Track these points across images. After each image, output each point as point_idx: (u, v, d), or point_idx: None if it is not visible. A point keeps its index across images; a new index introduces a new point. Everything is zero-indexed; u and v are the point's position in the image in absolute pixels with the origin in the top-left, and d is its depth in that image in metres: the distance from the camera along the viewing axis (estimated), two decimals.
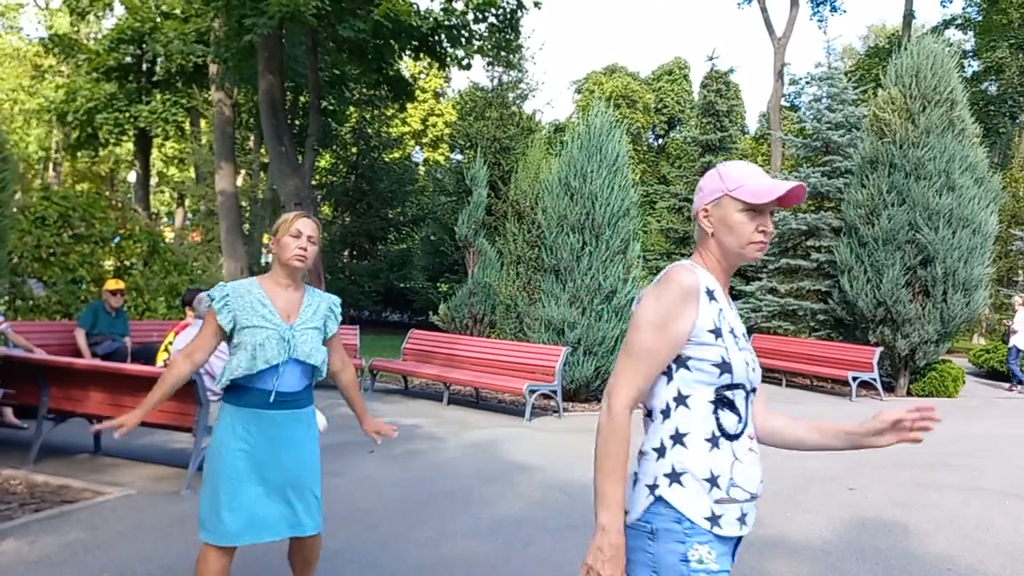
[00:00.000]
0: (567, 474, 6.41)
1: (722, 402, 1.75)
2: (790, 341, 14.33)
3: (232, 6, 12.37)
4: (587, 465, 6.72)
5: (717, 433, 1.74)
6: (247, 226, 25.82)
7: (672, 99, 45.20)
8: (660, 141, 45.86)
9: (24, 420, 6.71)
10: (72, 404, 5.83)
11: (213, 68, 19.75)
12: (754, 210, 1.78)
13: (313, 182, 17.95)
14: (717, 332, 1.75)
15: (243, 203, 25.21)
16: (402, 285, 24.31)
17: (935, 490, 6.32)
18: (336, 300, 3.20)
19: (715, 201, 1.83)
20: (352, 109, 24.90)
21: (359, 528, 4.68)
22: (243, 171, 28.07)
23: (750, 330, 16.77)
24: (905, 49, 13.43)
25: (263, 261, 27.18)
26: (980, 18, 30.46)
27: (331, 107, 22.85)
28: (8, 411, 6.76)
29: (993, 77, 31.02)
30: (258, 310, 2.93)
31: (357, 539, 4.45)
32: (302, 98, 22.14)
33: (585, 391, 10.66)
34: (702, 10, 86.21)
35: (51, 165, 36.75)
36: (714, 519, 1.69)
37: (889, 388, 12.91)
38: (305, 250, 2.97)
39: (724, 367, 1.74)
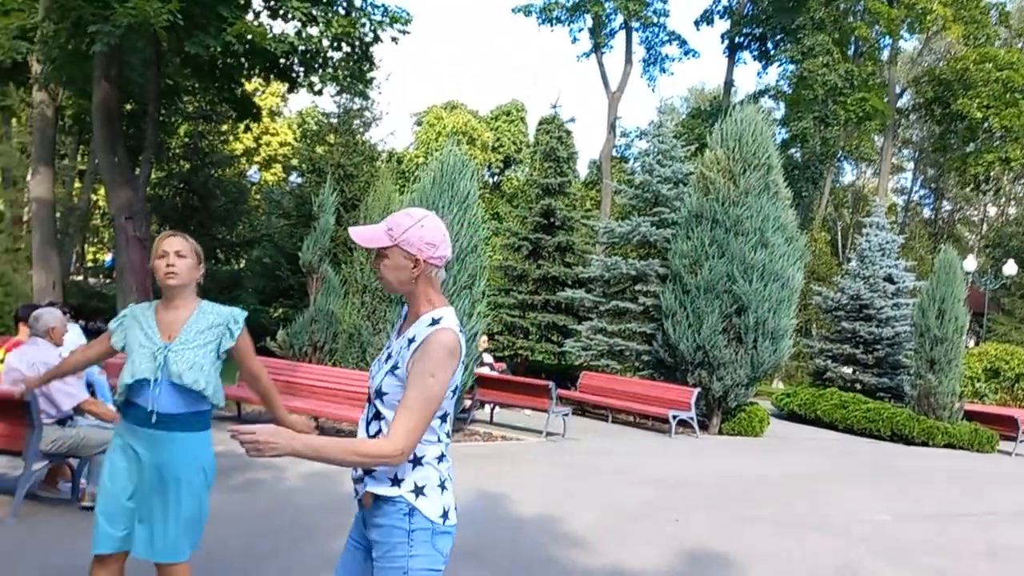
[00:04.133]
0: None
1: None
2: (617, 380, 15.13)
3: (69, 7, 11.67)
4: None
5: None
6: (60, 236, 24.06)
7: (509, 139, 46.46)
8: (496, 179, 46.96)
9: None
10: None
11: (36, 67, 18.39)
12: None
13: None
14: None
15: (57, 212, 23.48)
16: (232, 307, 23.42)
17: (749, 522, 6.96)
18: (238, 315, 3.18)
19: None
20: (184, 122, 23.86)
21: (215, 560, 4.59)
22: (59, 178, 26.15)
23: (579, 367, 17.52)
24: (729, 116, 14.72)
25: (73, 275, 25.38)
26: (791, 91, 33.64)
27: (162, 118, 21.80)
28: None
29: (798, 145, 34.26)
30: (143, 329, 3.06)
31: (210, 573, 4.37)
32: (131, 106, 21.04)
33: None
34: (542, 56, 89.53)
35: None
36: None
37: (703, 427, 13.90)
38: (174, 266, 3.03)
39: None
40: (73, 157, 27.35)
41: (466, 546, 5.47)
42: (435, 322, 2.13)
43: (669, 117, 20.95)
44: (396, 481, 2.13)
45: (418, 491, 2.15)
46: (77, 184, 28.74)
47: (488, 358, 13.93)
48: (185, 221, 23.63)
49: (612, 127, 32.82)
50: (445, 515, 2.17)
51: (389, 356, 2.21)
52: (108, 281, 29.88)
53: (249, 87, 34.92)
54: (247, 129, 22.73)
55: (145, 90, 15.41)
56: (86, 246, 35.32)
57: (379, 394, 2.16)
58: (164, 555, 2.96)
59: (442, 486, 2.19)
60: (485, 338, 14.11)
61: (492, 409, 13.18)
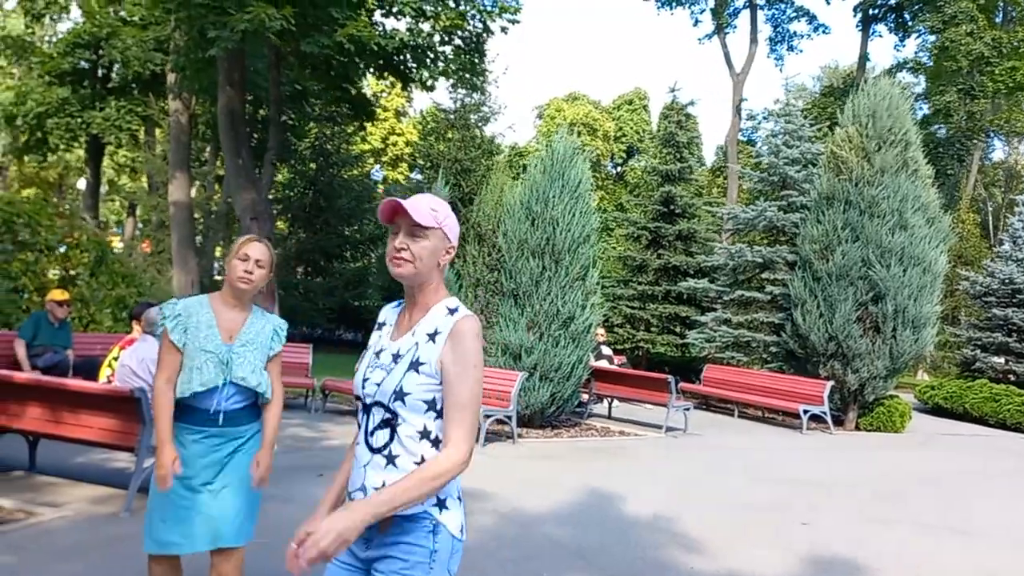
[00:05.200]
0: (520, 502, 6.30)
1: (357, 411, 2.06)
2: (743, 372, 14.44)
3: (194, 17, 12.15)
4: (542, 493, 6.64)
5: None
6: (200, 239, 25.36)
7: (631, 128, 45.69)
8: (619, 169, 46.29)
9: None
10: (8, 419, 5.57)
11: (171, 77, 19.42)
12: (394, 231, 1.98)
13: (270, 196, 17.69)
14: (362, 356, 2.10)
15: (196, 215, 24.75)
16: (357, 303, 24.01)
17: (884, 525, 6.36)
18: (282, 324, 3.26)
19: None
20: (312, 125, 24.66)
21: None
22: (197, 183, 27.59)
23: (703, 359, 16.89)
24: (862, 90, 13.74)
25: (216, 275, 26.70)
26: (931, 63, 31.39)
27: (291, 122, 22.59)
28: None
29: (942, 121, 31.93)
30: (203, 330, 3.02)
31: None
32: (261, 111, 21.89)
33: (540, 417, 10.58)
34: (663, 42, 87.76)
35: None
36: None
37: (838, 422, 13.06)
38: (251, 273, 3.05)
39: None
40: (212, 162, 28.73)
41: (572, 545, 5.21)
42: (452, 311, 1.97)
43: (797, 96, 19.90)
44: None
45: (441, 504, 1.95)
46: (217, 187, 30.21)
47: (607, 350, 13.57)
48: (312, 220, 24.40)
49: (737, 110, 31.51)
50: (462, 530, 2.01)
51: (397, 355, 1.97)
52: None
53: (375, 88, 36.12)
54: (361, 128, 23.16)
55: (268, 93, 15.91)
56: (229, 248, 37.12)
57: (398, 396, 1.92)
58: (225, 540, 3.00)
59: (459, 497, 2.03)
60: (601, 330, 13.76)
61: (610, 403, 12.84)
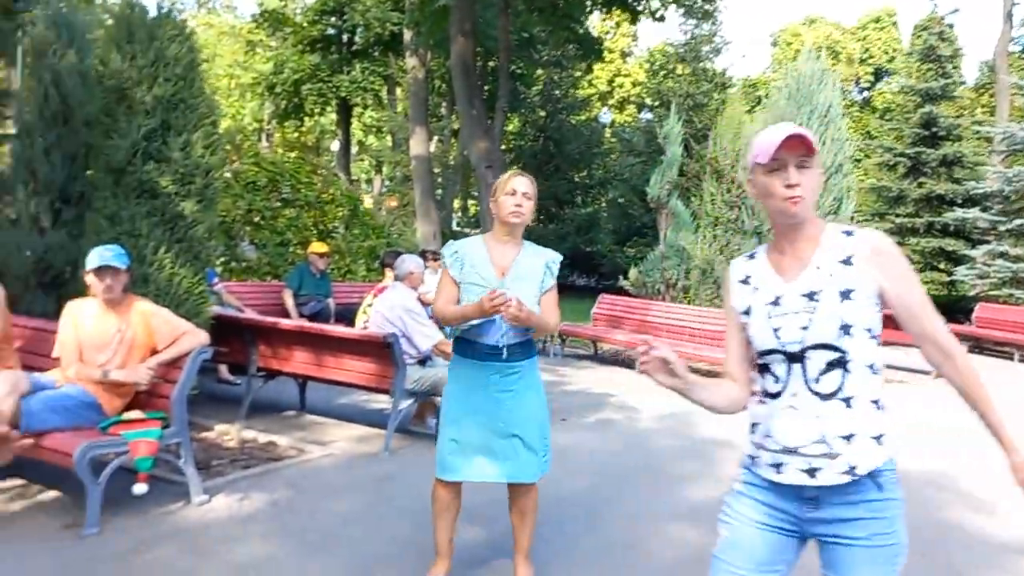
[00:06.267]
0: None
1: (762, 368, 1.94)
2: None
3: None
4: None
5: (761, 392, 1.94)
6: (439, 191, 26.51)
7: (879, 48, 41.57)
8: (865, 94, 42.42)
9: (236, 376, 7.06)
10: (279, 363, 6.01)
11: (407, 35, 20.19)
12: (773, 169, 1.81)
13: (502, 146, 17.99)
14: (747, 311, 1.95)
15: (435, 168, 25.83)
16: (588, 249, 24.02)
17: None
18: (555, 258, 3.25)
19: (751, 176, 1.91)
20: (540, 71, 24.75)
21: (554, 502, 4.45)
22: (435, 137, 28.73)
23: (974, 298, 15.12)
24: None
25: (454, 225, 27.85)
26: None
27: (519, 70, 22.78)
28: (223, 368, 7.13)
29: None
30: (476, 266, 3.12)
31: (552, 514, 4.22)
32: (491, 63, 22.25)
33: None
34: None
35: (263, 135, 39.42)
36: (751, 459, 1.97)
37: None
38: (521, 206, 3.11)
39: (752, 340, 1.93)
40: (447, 116, 29.80)
41: None
42: (849, 233, 1.86)
43: None
44: (878, 439, 1.83)
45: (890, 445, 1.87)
46: (453, 141, 31.36)
47: None
48: (542, 167, 24.60)
49: (1008, 16, 27.56)
50: None
51: (812, 294, 1.83)
52: (480, 230, 32.38)
53: (600, 30, 35.56)
54: (589, 69, 22.84)
55: (498, 42, 16.03)
56: (467, 199, 38.64)
57: (844, 330, 1.80)
58: (521, 475, 3.12)
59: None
60: None
61: None
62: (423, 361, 5.59)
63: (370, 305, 5.91)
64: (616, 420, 6.87)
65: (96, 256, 3.95)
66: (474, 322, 3.05)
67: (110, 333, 4.03)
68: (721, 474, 5.29)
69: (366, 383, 5.62)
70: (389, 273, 6.87)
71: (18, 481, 4.25)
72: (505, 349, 3.08)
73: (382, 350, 5.37)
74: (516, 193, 3.10)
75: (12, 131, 6.16)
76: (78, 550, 3.49)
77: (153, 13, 5.26)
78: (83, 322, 4.06)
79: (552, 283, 3.20)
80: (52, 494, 4.15)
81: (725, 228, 10.66)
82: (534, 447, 3.13)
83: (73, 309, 4.11)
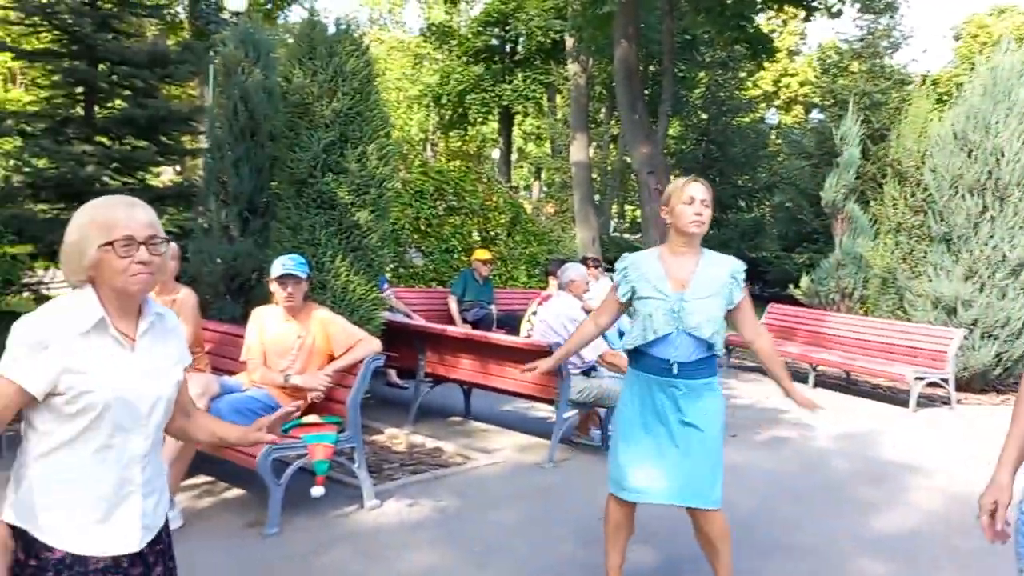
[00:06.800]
0: (970, 482, 5.36)
1: None
2: None
3: None
4: (987, 470, 5.59)
5: None
6: (598, 197, 26.41)
7: None
8: None
9: (405, 380, 7.24)
10: (445, 369, 6.09)
11: (569, 42, 20.26)
12: None
13: (663, 150, 17.67)
14: None
15: (594, 175, 25.77)
16: (753, 255, 23.13)
17: None
18: (740, 266, 3.04)
19: None
20: (702, 74, 24.17)
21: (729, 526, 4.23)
22: (595, 143, 28.70)
23: None
24: None
25: (612, 230, 27.65)
26: None
27: (681, 73, 22.35)
28: (392, 372, 7.34)
29: None
30: (651, 280, 2.97)
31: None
32: (653, 67, 21.95)
33: (981, 381, 9.10)
34: None
35: (428, 145, 40.79)
36: None
37: None
38: (700, 215, 2.93)
39: None
40: (607, 122, 29.71)
41: None
42: None
43: None
44: None
45: None
46: (612, 147, 31.22)
47: None
48: (705, 171, 23.96)
49: None
50: None
51: None
52: (640, 235, 32.00)
53: (766, 28, 34.33)
54: (759, 67, 22.05)
55: (662, 45, 15.76)
56: (625, 205, 38.35)
57: None
58: (699, 499, 2.96)
59: None
60: None
61: None
62: (588, 371, 5.49)
63: (534, 313, 5.90)
64: (790, 438, 6.51)
65: (279, 265, 4.13)
66: (649, 336, 2.92)
67: (291, 339, 4.20)
68: (908, 502, 4.88)
69: (530, 392, 5.60)
70: (553, 281, 6.84)
71: (207, 478, 4.51)
72: (676, 365, 2.91)
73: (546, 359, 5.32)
74: (695, 201, 2.92)
75: (205, 145, 6.60)
76: (259, 549, 3.64)
77: (332, 30, 5.47)
78: (267, 328, 4.25)
79: (742, 295, 3.00)
80: (237, 492, 4.37)
81: (909, 234, 9.91)
82: (711, 471, 2.97)
83: (259, 315, 4.31)
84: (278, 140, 5.54)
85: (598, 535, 3.32)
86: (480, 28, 25.45)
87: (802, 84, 37.39)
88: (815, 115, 28.46)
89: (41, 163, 6.92)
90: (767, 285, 22.61)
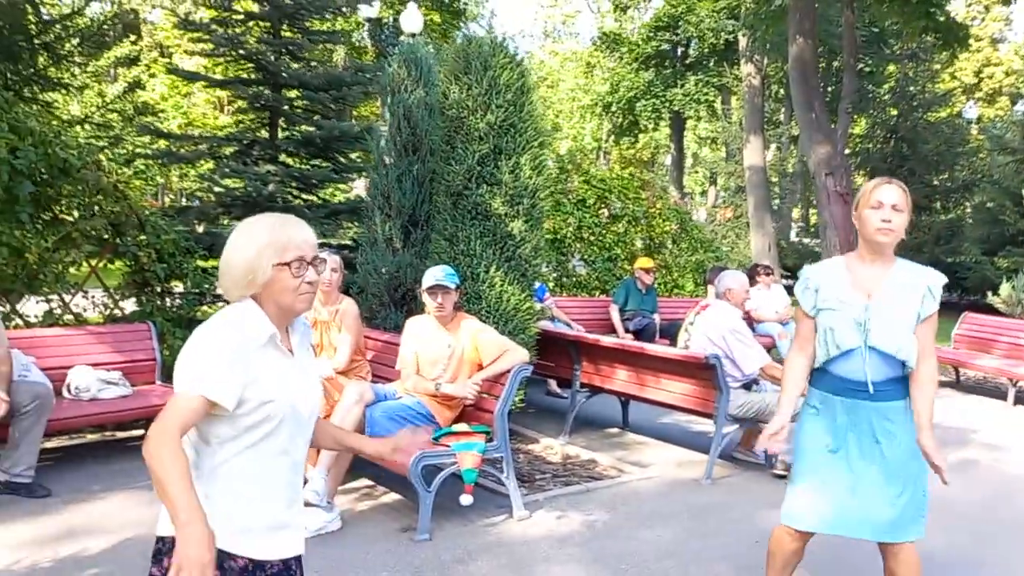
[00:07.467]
0: None
1: None
2: None
3: None
4: None
5: None
6: (776, 201, 25.35)
7: None
8: None
9: (563, 390, 7.23)
10: (601, 380, 6.02)
11: (743, 41, 19.61)
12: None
13: (846, 149, 16.66)
14: None
15: (772, 178, 24.76)
16: (949, 260, 21.35)
17: None
18: (938, 279, 2.76)
19: None
20: (890, 67, 22.64)
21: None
22: (772, 145, 27.61)
23: None
24: None
25: (792, 236, 26.44)
26: None
27: (866, 68, 21.05)
28: (552, 381, 7.35)
29: None
30: (835, 291, 2.75)
31: None
32: (835, 63, 20.81)
33: None
34: None
35: (601, 154, 40.78)
36: None
37: None
38: (889, 221, 2.65)
39: None
40: (785, 123, 28.49)
41: None
42: None
43: None
44: None
45: None
46: (792, 148, 29.88)
47: None
48: (894, 171, 22.39)
49: None
50: None
51: None
52: (819, 240, 30.27)
53: (964, 17, 31.70)
54: (953, 58, 20.33)
55: (842, 39, 14.90)
56: (809, 209, 36.57)
57: None
58: (894, 533, 2.72)
59: None
60: None
61: None
62: (749, 385, 5.25)
63: (691, 323, 5.71)
64: (982, 462, 5.93)
65: (429, 276, 4.24)
66: (832, 351, 2.71)
67: (443, 348, 4.29)
68: None
69: (687, 405, 5.42)
70: (711, 290, 6.60)
71: (367, 482, 4.69)
72: (871, 384, 2.67)
73: (704, 371, 5.14)
74: (883, 206, 2.65)
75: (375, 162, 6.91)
76: (409, 554, 3.73)
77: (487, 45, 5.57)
78: (420, 337, 4.37)
79: (933, 309, 2.72)
80: (394, 497, 4.51)
81: None
82: (899, 500, 2.71)
83: (412, 325, 4.45)
84: (436, 154, 5.70)
85: (754, 560, 3.16)
86: (651, 33, 25.18)
87: (1007, 74, 34.27)
88: (1021, 107, 25.98)
89: (229, 182, 7.51)
90: (965, 292, 20.84)
